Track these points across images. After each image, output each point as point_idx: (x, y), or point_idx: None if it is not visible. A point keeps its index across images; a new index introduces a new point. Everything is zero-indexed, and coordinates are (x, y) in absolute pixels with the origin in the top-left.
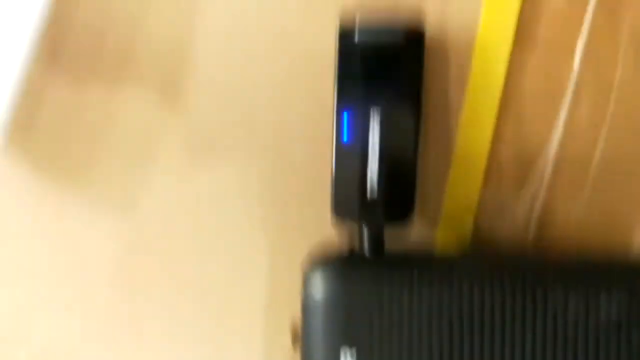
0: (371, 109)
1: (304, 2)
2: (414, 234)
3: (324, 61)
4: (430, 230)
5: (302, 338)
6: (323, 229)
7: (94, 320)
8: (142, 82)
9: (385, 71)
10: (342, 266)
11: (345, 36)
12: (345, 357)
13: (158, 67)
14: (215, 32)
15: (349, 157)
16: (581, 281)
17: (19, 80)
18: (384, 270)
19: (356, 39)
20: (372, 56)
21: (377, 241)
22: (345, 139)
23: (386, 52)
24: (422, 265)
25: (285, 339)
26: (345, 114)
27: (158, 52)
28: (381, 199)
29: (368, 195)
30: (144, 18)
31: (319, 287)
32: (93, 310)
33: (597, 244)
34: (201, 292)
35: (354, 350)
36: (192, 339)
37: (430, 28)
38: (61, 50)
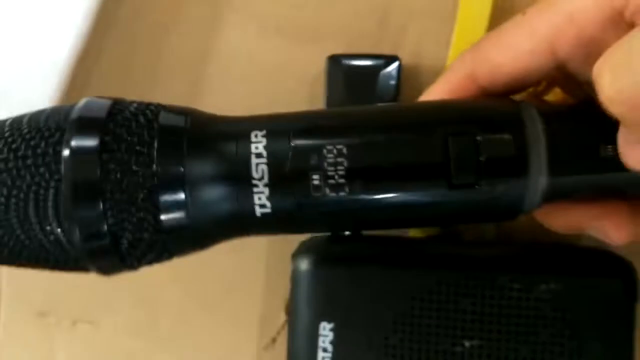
0: None
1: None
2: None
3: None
4: None
5: (289, 313)
6: None
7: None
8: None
9: (367, 91)
10: (325, 244)
11: (334, 62)
12: (324, 330)
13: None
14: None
15: None
16: (525, 272)
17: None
18: (362, 249)
19: (343, 63)
20: (356, 78)
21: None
22: None
23: (368, 74)
24: (396, 245)
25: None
26: None
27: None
28: None
29: None
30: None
31: (303, 263)
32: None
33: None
34: (205, 271)
35: (332, 324)
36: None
37: (407, 57)
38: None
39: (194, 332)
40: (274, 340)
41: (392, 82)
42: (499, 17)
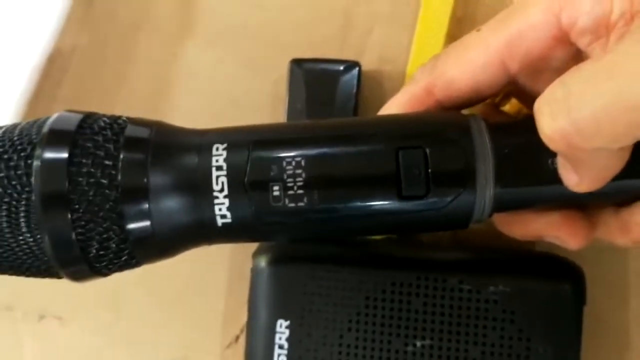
0: None
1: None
2: None
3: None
4: None
5: (248, 310)
6: None
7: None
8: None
9: (327, 95)
10: (284, 244)
11: (296, 66)
12: (281, 327)
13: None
14: None
15: None
16: (475, 274)
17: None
18: (319, 248)
19: (304, 67)
20: (317, 82)
21: None
22: None
23: (328, 79)
24: (353, 246)
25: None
26: None
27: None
28: None
29: None
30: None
31: (262, 261)
32: None
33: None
34: (169, 271)
35: (288, 322)
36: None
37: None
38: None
39: (157, 330)
40: (237, 338)
41: (352, 86)
42: (457, 26)
